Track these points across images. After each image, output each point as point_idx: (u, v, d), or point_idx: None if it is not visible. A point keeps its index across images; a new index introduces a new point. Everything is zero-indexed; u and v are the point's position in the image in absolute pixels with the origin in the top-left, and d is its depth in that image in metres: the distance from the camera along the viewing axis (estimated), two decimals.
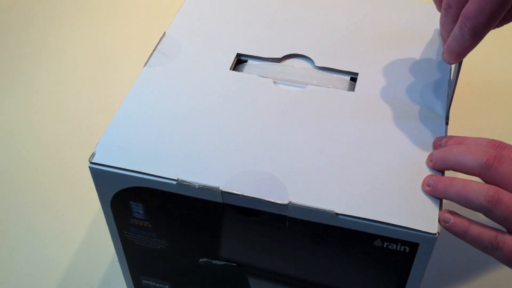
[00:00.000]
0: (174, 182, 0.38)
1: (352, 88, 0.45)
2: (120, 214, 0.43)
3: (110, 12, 0.89)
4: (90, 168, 0.40)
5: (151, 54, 0.48)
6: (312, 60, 0.47)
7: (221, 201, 0.38)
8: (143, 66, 0.47)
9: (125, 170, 0.39)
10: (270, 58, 0.47)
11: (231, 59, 0.47)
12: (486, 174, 0.36)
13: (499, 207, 0.35)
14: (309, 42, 0.49)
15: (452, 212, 0.37)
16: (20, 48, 0.83)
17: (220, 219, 0.40)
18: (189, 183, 0.38)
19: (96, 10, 0.90)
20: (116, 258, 0.48)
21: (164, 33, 0.50)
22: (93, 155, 0.40)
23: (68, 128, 0.71)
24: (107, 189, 0.41)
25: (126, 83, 0.79)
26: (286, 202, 0.37)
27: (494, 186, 0.36)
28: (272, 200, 0.37)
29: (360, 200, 0.37)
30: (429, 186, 0.37)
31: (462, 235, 0.36)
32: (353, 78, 0.46)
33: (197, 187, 0.38)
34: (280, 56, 0.47)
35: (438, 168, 0.39)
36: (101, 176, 0.40)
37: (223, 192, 0.38)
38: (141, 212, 0.42)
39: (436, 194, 0.37)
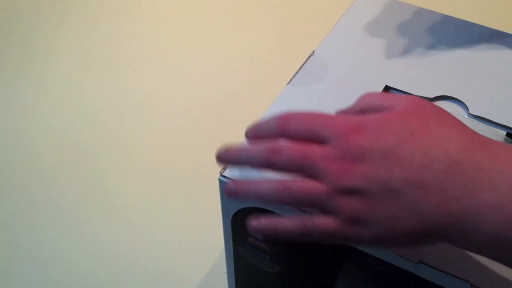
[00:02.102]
0: (300, 212, 0.37)
1: None
2: (239, 230, 0.42)
3: (113, 12, 0.91)
4: (220, 180, 0.39)
5: (297, 72, 0.46)
6: (466, 106, 0.44)
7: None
8: (287, 84, 0.46)
9: None
10: (421, 97, 0.44)
11: (379, 89, 0.45)
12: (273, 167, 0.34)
13: (289, 197, 0.33)
14: (465, 85, 0.45)
15: (258, 217, 0.35)
16: (24, 48, 0.85)
17: (341, 260, 0.38)
18: None
19: (97, 10, 0.91)
20: (225, 270, 0.48)
21: (313, 52, 0.48)
22: (224, 168, 0.39)
23: (70, 128, 0.73)
24: (232, 204, 0.40)
25: (127, 83, 0.79)
26: (416, 260, 0.34)
27: (281, 181, 0.33)
28: (402, 255, 0.34)
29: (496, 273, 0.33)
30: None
31: (276, 236, 0.34)
32: (510, 134, 0.42)
33: None
34: (431, 96, 0.44)
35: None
36: None
37: None
38: None
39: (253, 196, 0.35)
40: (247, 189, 0.35)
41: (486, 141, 0.31)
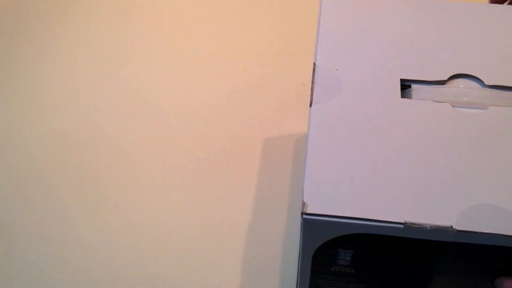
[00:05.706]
0: (401, 226, 0.36)
1: None
2: (321, 262, 0.41)
3: (110, 11, 0.89)
4: (305, 219, 0.37)
5: (313, 89, 0.45)
6: (480, 79, 0.46)
7: (451, 241, 0.36)
8: (310, 105, 0.45)
9: (343, 218, 0.37)
10: (436, 81, 0.46)
11: (397, 86, 0.45)
12: None
13: None
14: (475, 61, 0.47)
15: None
16: (22, 48, 0.82)
17: (429, 272, 0.38)
18: (419, 224, 0.36)
19: (95, 10, 0.90)
20: None
21: (314, 64, 0.48)
22: (305, 205, 0.38)
23: (69, 128, 0.71)
24: (317, 238, 0.39)
25: (127, 82, 0.80)
26: None
27: None
28: None
29: None
30: None
31: None
32: None
33: (428, 228, 0.36)
34: (445, 78, 0.46)
35: None
36: (314, 226, 0.38)
37: (458, 231, 0.36)
38: (348, 259, 0.40)
39: None
40: None
41: None
